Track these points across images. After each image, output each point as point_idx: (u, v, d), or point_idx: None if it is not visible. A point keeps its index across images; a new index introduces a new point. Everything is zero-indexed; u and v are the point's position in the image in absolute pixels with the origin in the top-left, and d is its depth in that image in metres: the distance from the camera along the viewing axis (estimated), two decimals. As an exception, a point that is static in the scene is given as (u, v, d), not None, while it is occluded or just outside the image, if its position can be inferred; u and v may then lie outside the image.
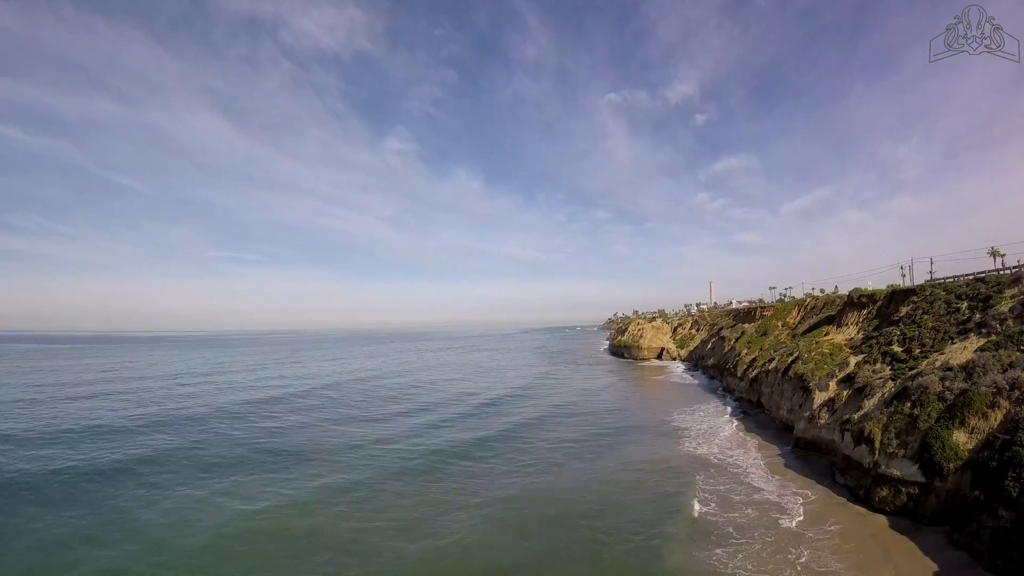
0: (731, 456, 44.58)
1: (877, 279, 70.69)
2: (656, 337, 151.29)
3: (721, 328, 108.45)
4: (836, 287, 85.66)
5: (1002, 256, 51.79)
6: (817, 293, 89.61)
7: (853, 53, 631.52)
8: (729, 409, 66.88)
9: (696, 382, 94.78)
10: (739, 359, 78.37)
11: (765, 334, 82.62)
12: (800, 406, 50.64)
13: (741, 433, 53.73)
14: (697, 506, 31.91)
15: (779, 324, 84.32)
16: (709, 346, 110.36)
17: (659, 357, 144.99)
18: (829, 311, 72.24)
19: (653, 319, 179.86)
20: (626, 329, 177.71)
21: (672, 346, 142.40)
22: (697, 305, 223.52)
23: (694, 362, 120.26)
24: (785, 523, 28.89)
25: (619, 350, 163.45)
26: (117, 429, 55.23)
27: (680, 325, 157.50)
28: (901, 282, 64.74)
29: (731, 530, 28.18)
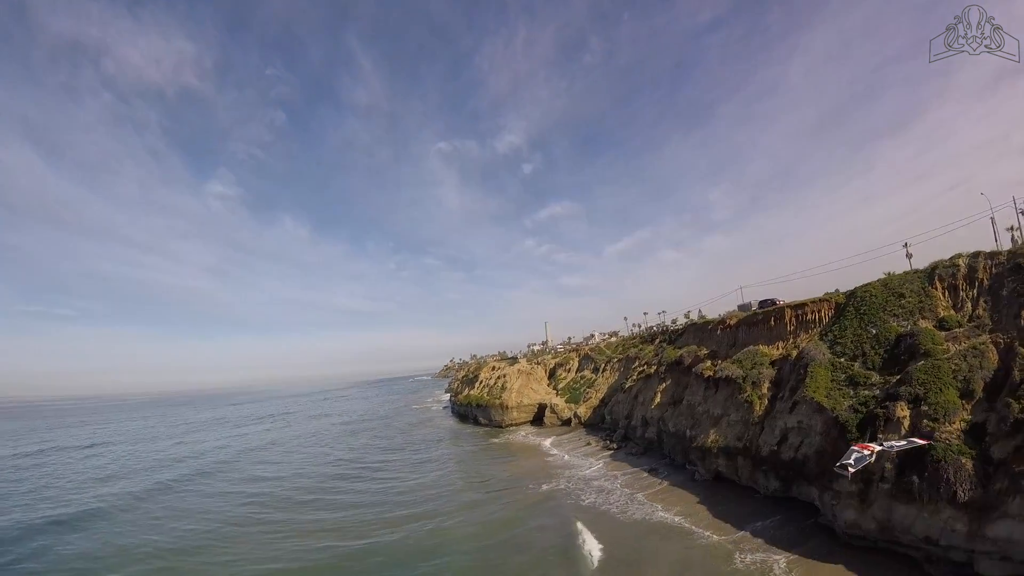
0: None
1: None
2: (529, 387, 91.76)
3: (681, 360, 52.42)
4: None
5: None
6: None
7: (670, 106, 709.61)
8: None
9: (706, 508, 35.33)
10: None
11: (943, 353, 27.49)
12: None
13: None
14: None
15: (923, 323, 30.65)
16: (657, 399, 53.66)
17: (536, 420, 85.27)
18: None
19: (515, 360, 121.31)
20: (476, 377, 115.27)
21: (559, 401, 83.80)
22: (544, 343, 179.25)
23: (615, 431, 62.22)
24: None
25: (468, 411, 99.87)
26: None
27: (561, 365, 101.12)
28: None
29: None
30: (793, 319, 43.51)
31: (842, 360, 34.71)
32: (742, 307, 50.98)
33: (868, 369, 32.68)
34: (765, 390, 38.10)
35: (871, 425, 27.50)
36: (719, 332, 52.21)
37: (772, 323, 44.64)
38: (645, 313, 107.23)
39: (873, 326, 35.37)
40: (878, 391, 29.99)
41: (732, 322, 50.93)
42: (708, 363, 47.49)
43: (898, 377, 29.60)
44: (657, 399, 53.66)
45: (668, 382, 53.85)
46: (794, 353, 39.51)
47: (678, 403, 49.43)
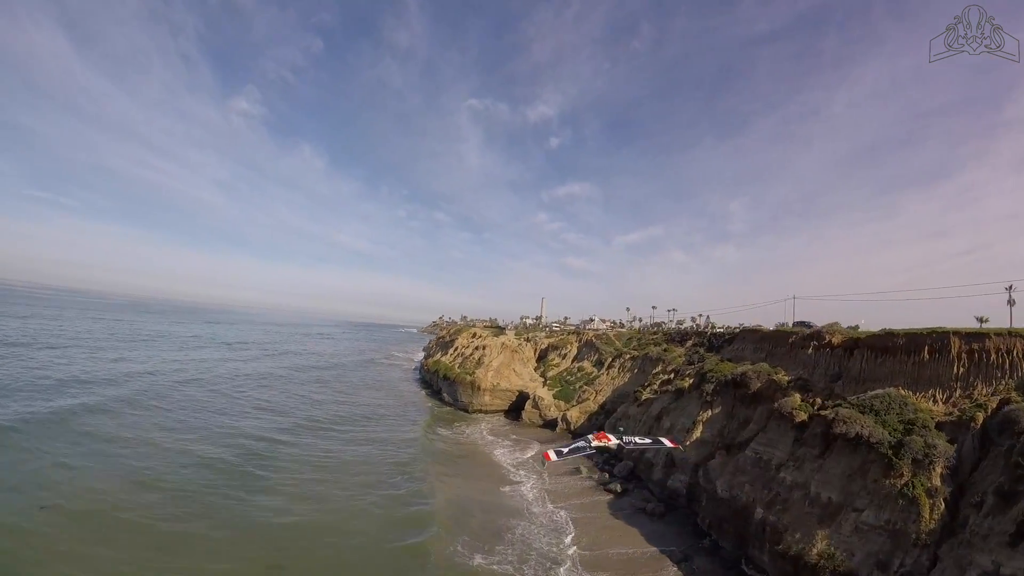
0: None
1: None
2: (511, 368, 74.97)
3: (745, 380, 35.11)
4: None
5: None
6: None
7: (708, 109, 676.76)
8: None
9: None
10: None
11: None
12: None
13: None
14: None
15: None
16: (697, 432, 36.67)
17: (513, 412, 68.80)
18: None
19: (501, 331, 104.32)
20: (453, 342, 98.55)
21: (546, 394, 67.02)
22: (538, 318, 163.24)
23: (618, 458, 45.45)
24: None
25: (436, 382, 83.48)
26: None
27: (555, 348, 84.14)
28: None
29: None
30: (964, 355, 26.09)
31: (1123, 461, 17.52)
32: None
33: None
34: (938, 480, 20.86)
35: None
36: (810, 351, 34.74)
37: (926, 355, 27.14)
38: (654, 307, 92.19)
39: None
40: None
41: (836, 340, 33.37)
42: (797, 397, 30.24)
43: None
44: (697, 432, 36.63)
45: (717, 410, 36.74)
46: (980, 417, 22.34)
47: (735, 448, 32.36)
